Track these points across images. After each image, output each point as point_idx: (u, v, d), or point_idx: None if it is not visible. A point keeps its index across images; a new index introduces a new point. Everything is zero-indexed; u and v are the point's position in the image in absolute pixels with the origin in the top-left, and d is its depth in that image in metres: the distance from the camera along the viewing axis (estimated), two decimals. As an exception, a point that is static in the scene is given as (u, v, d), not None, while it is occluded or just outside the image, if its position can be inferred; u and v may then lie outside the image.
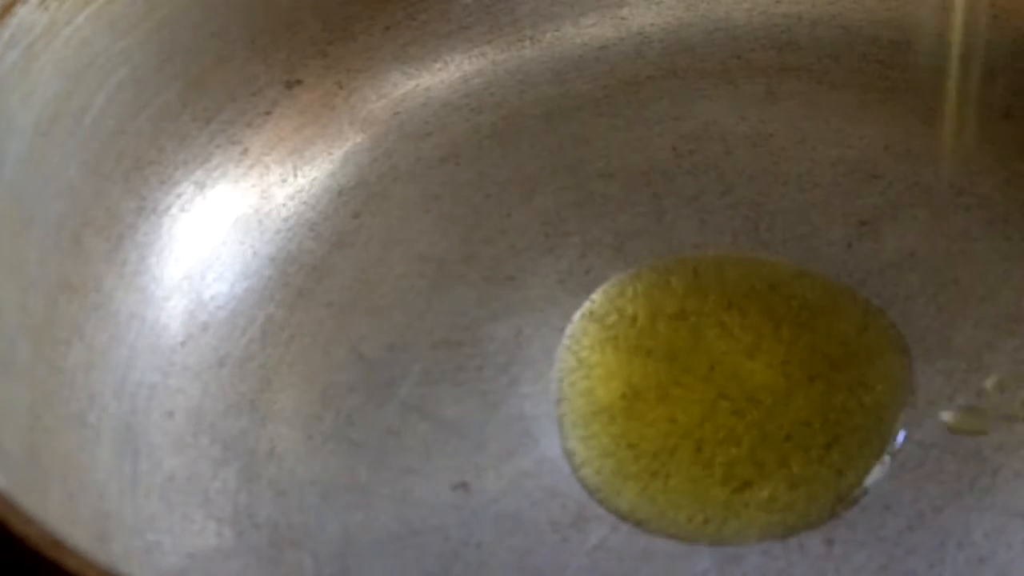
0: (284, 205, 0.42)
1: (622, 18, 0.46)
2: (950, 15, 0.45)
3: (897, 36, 0.45)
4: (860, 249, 0.41)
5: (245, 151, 0.42)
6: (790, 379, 0.38)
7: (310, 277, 0.41)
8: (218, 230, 0.41)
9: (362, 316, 0.40)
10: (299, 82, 0.43)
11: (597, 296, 0.40)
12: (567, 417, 0.38)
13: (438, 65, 0.44)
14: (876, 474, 0.36)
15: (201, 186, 0.41)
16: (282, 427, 0.38)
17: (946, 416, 0.37)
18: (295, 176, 0.42)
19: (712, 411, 0.38)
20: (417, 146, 0.43)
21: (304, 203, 0.42)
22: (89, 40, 0.39)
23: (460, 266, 0.41)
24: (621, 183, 0.43)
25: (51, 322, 0.37)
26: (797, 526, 0.36)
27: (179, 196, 0.41)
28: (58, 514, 0.33)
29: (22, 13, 0.38)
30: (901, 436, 0.37)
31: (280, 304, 0.40)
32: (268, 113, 0.42)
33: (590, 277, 0.41)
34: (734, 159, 0.43)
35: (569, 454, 0.37)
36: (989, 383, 0.38)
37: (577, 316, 0.40)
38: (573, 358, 0.39)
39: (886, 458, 0.36)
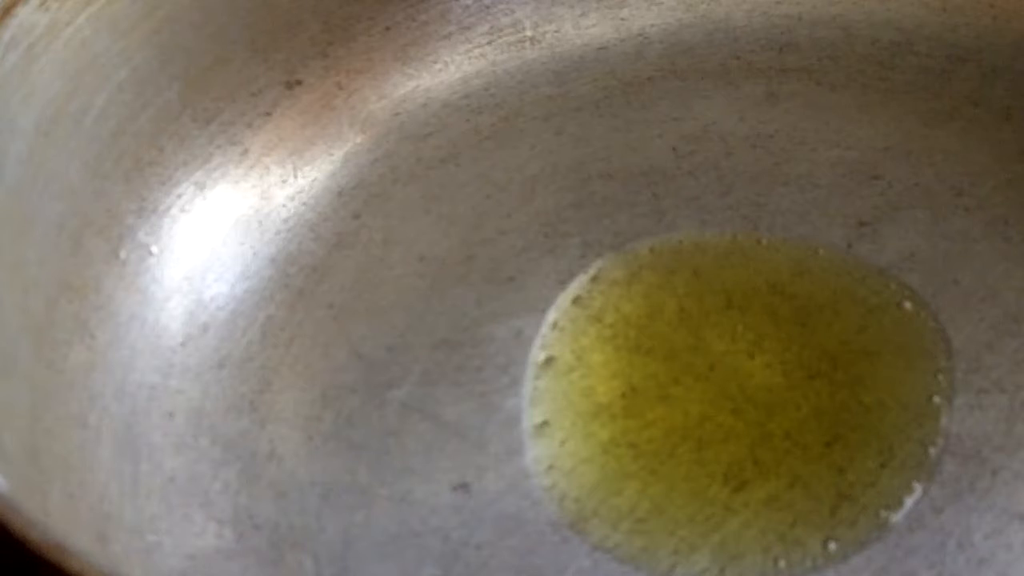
0: (284, 206, 0.42)
1: (622, 19, 0.46)
2: (950, 15, 0.45)
3: (897, 36, 0.45)
4: (860, 249, 0.41)
5: (245, 152, 0.42)
6: (790, 378, 0.38)
7: (310, 278, 0.41)
8: (218, 231, 0.41)
9: (362, 317, 0.40)
10: (299, 83, 0.43)
11: (597, 296, 0.40)
12: (567, 416, 0.38)
13: (438, 66, 0.44)
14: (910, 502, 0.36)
15: (201, 187, 0.41)
16: (282, 428, 0.38)
17: (946, 416, 0.37)
18: (295, 177, 0.42)
19: (712, 410, 0.38)
20: (417, 147, 0.43)
21: (304, 204, 0.42)
22: (89, 41, 0.39)
23: (460, 267, 0.41)
24: (621, 183, 0.43)
25: (51, 323, 0.37)
26: (797, 525, 0.36)
27: (179, 197, 0.41)
28: (59, 515, 0.33)
29: (23, 14, 0.38)
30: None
31: (280, 305, 0.40)
32: (268, 114, 0.43)
33: (590, 277, 0.41)
34: (734, 159, 0.43)
35: (569, 454, 0.37)
36: (989, 383, 0.38)
37: (577, 316, 0.40)
38: (573, 357, 0.39)
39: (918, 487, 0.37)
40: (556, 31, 0.45)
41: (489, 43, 0.45)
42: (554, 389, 0.38)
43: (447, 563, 0.35)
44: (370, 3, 0.44)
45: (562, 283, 0.41)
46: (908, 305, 0.40)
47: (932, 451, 0.37)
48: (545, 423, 0.38)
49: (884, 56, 0.45)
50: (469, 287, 0.41)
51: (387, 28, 0.44)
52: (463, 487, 0.37)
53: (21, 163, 0.37)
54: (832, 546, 0.35)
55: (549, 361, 0.39)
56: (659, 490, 0.36)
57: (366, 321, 0.40)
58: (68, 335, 0.37)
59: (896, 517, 0.36)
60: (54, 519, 0.32)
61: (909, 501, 0.36)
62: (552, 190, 0.42)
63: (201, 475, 0.37)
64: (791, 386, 0.38)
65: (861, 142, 0.43)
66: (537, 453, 0.37)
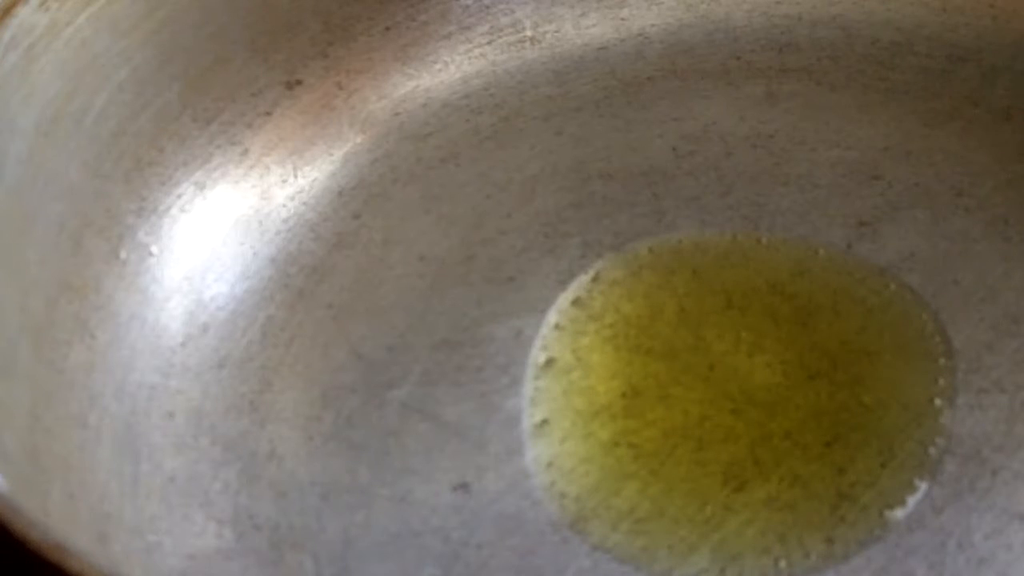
0: (284, 206, 0.42)
1: (622, 19, 0.46)
2: (950, 15, 0.45)
3: (897, 36, 0.45)
4: (860, 249, 0.41)
5: (245, 152, 0.42)
6: (790, 378, 0.38)
7: (310, 278, 0.41)
8: (218, 231, 0.41)
9: (362, 317, 0.40)
10: (299, 83, 0.43)
11: (597, 296, 0.40)
12: (567, 416, 0.38)
13: (438, 66, 0.44)
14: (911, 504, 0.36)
15: (201, 187, 0.41)
16: (282, 428, 0.38)
17: (946, 416, 0.37)
18: (295, 177, 0.42)
19: (712, 410, 0.38)
20: (417, 147, 0.43)
21: (304, 204, 0.42)
22: (89, 41, 0.39)
23: (460, 267, 0.41)
24: (621, 183, 0.43)
25: (52, 323, 0.37)
26: (797, 525, 0.36)
27: (179, 197, 0.41)
28: (59, 515, 0.33)
29: (23, 14, 0.38)
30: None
31: (280, 305, 0.40)
32: (268, 114, 0.43)
33: (590, 278, 0.41)
34: (734, 160, 0.43)
35: (569, 453, 0.37)
36: (989, 383, 0.38)
37: (577, 316, 0.40)
38: (573, 357, 0.39)
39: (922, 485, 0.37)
40: (556, 31, 0.45)
41: (489, 43, 0.45)
42: (554, 389, 0.38)
43: (447, 563, 0.35)
44: (370, 3, 0.44)
45: (562, 283, 0.41)
46: (908, 305, 0.40)
47: (932, 451, 0.37)
48: (545, 423, 0.38)
49: (884, 56, 0.45)
50: (469, 287, 0.41)
51: (387, 28, 0.44)
52: (463, 487, 0.37)
53: (21, 163, 0.37)
54: (832, 546, 0.35)
55: (549, 361, 0.39)
56: (659, 490, 0.36)
57: (366, 321, 0.40)
58: (68, 335, 0.37)
59: (896, 517, 0.36)
60: (54, 519, 0.32)
61: (909, 501, 0.36)
62: (552, 190, 0.42)
63: (201, 475, 0.37)
64: (791, 386, 0.38)
65: (861, 142, 0.43)
66: (537, 453, 0.37)
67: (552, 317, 0.40)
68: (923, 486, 0.36)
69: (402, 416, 0.38)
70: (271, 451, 0.37)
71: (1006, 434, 0.37)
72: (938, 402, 0.38)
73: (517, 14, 0.45)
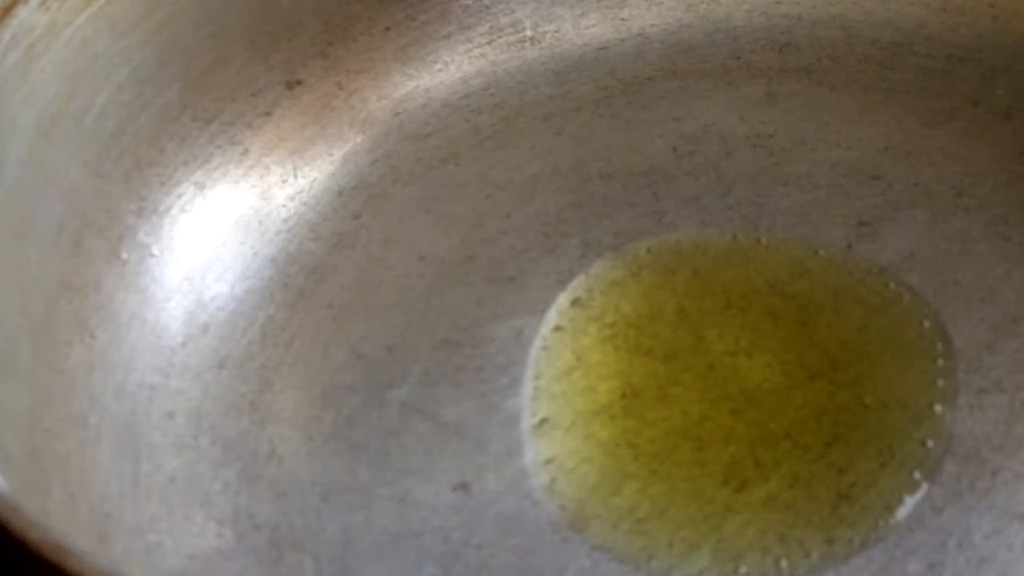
0: (284, 206, 0.42)
1: (622, 19, 0.46)
2: (950, 15, 0.45)
3: (897, 37, 0.45)
4: (860, 249, 0.41)
5: (245, 152, 0.42)
6: (790, 378, 0.38)
7: (310, 278, 0.41)
8: (218, 231, 0.41)
9: (362, 317, 0.40)
10: (299, 83, 0.43)
11: (597, 296, 0.40)
12: (567, 416, 0.38)
13: (438, 66, 0.44)
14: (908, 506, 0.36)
15: (201, 187, 0.41)
16: (282, 428, 0.38)
17: (946, 416, 0.37)
18: (295, 177, 0.42)
19: (712, 410, 0.38)
20: (417, 147, 0.43)
21: (304, 204, 0.42)
22: (90, 41, 0.39)
23: (460, 267, 0.41)
24: (621, 183, 0.43)
25: (52, 323, 0.37)
26: (797, 525, 0.36)
27: (179, 197, 0.41)
28: (59, 515, 0.33)
29: (23, 14, 0.38)
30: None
31: (280, 305, 0.40)
32: (268, 114, 0.43)
33: (590, 278, 0.41)
34: (734, 160, 0.43)
35: (569, 453, 0.37)
36: (989, 383, 0.38)
37: (577, 316, 0.40)
38: (573, 357, 0.39)
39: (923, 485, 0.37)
40: (556, 31, 0.45)
41: (489, 43, 0.45)
42: (554, 389, 0.38)
43: (447, 563, 0.35)
44: (370, 3, 0.44)
45: (562, 283, 0.41)
46: (908, 305, 0.40)
47: (932, 451, 0.37)
48: (545, 423, 0.38)
49: (884, 56, 0.45)
50: (469, 287, 0.41)
51: (387, 28, 0.44)
52: (463, 487, 0.37)
53: (21, 163, 0.37)
54: (832, 546, 0.35)
55: (549, 362, 0.39)
56: (659, 490, 0.36)
57: (366, 321, 0.40)
58: (68, 335, 0.37)
59: (896, 517, 0.36)
60: (54, 519, 0.32)
61: (909, 501, 0.36)
62: (552, 190, 0.43)
63: (201, 475, 0.37)
64: (791, 386, 0.38)
65: (861, 142, 0.43)
66: (537, 453, 0.37)
67: (552, 317, 0.40)
68: (923, 486, 0.36)
69: (402, 416, 0.38)
70: (271, 451, 0.37)
71: (1006, 434, 0.37)
72: (938, 402, 0.38)
73: (517, 14, 0.45)
